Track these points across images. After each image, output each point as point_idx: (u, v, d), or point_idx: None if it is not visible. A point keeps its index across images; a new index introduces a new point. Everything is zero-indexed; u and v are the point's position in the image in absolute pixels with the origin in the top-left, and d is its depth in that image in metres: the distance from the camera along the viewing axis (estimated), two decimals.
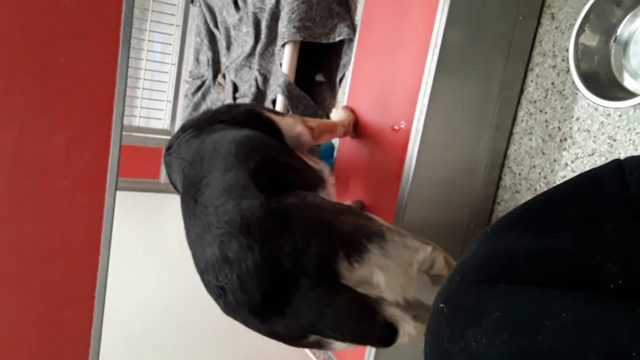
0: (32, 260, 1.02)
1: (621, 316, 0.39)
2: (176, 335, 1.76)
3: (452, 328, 0.48)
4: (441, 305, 0.50)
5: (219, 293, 0.95)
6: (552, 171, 1.26)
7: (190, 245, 1.07)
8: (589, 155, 1.18)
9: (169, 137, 2.77)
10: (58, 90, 0.99)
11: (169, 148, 1.31)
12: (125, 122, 3.20)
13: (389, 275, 0.92)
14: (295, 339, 0.97)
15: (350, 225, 0.95)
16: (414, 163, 1.32)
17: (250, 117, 1.33)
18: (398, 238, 0.96)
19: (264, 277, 0.88)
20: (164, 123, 2.76)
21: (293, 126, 1.36)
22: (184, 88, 2.66)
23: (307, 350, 1.75)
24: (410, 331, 0.87)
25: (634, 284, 0.42)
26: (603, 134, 1.16)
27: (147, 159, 2.73)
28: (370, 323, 0.87)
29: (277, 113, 1.41)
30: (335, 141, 1.74)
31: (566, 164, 1.23)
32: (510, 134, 1.39)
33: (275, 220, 0.93)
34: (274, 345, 1.78)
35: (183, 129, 1.33)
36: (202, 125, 1.31)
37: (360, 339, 0.90)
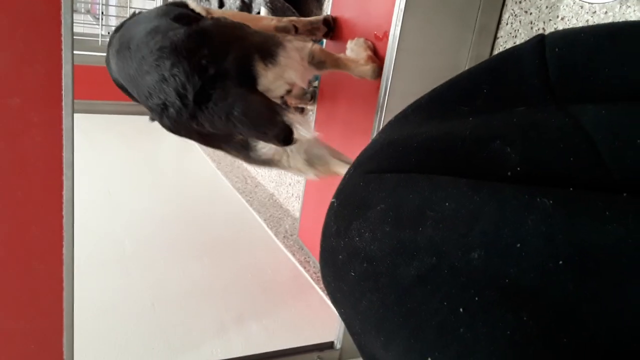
0: None
1: (508, 203, 0.35)
2: (161, 252, 1.79)
3: (338, 222, 0.46)
4: (333, 200, 0.47)
5: (161, 110, 1.10)
6: None
7: (131, 86, 1.20)
8: None
9: None
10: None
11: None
12: None
13: (294, 70, 1.17)
14: (224, 139, 1.19)
15: (261, 38, 1.18)
16: (391, 72, 1.26)
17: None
18: (289, 43, 1.19)
19: (194, 82, 1.04)
20: None
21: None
22: None
23: (297, 265, 1.77)
24: (305, 134, 1.08)
25: (532, 169, 0.38)
26: None
27: None
28: (272, 121, 1.06)
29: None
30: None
31: None
32: (495, 38, 1.31)
33: (197, 37, 1.10)
34: (263, 260, 1.81)
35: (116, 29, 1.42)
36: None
37: (262, 134, 1.09)
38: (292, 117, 1.07)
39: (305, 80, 1.26)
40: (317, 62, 1.27)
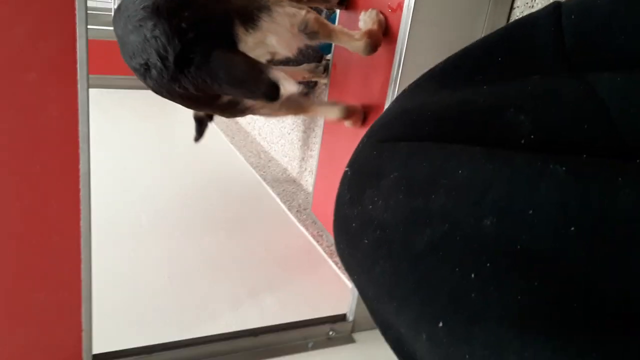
0: (10, 151, 1.03)
1: (521, 170, 0.35)
2: (177, 226, 1.81)
3: (352, 191, 0.46)
4: (346, 169, 0.48)
5: (144, 71, 1.11)
6: None
7: (120, 44, 1.19)
8: None
9: None
10: None
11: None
12: None
13: (279, 36, 1.17)
14: (210, 101, 1.21)
15: (245, 1, 1.16)
16: (405, 45, 1.24)
17: None
18: (280, 8, 1.18)
19: (174, 44, 1.06)
20: None
21: None
22: None
23: (310, 238, 1.78)
24: (290, 88, 1.09)
25: (546, 137, 0.38)
26: None
27: None
28: (259, 79, 1.08)
29: None
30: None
31: None
32: (511, 8, 1.29)
33: None
34: (277, 234, 1.82)
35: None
36: None
37: (250, 93, 1.13)
38: (276, 74, 1.09)
39: (293, 48, 1.24)
40: (310, 31, 1.24)
